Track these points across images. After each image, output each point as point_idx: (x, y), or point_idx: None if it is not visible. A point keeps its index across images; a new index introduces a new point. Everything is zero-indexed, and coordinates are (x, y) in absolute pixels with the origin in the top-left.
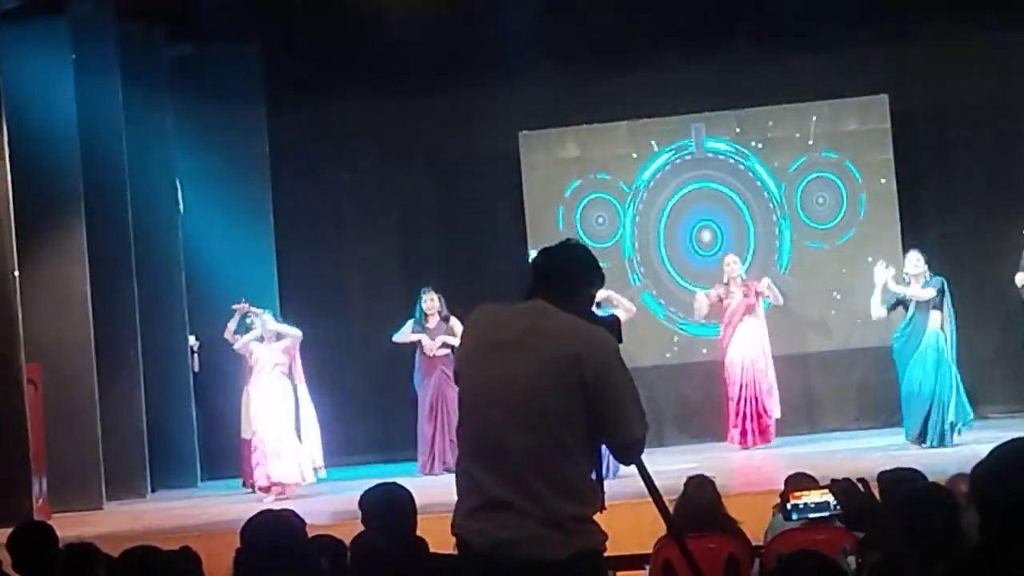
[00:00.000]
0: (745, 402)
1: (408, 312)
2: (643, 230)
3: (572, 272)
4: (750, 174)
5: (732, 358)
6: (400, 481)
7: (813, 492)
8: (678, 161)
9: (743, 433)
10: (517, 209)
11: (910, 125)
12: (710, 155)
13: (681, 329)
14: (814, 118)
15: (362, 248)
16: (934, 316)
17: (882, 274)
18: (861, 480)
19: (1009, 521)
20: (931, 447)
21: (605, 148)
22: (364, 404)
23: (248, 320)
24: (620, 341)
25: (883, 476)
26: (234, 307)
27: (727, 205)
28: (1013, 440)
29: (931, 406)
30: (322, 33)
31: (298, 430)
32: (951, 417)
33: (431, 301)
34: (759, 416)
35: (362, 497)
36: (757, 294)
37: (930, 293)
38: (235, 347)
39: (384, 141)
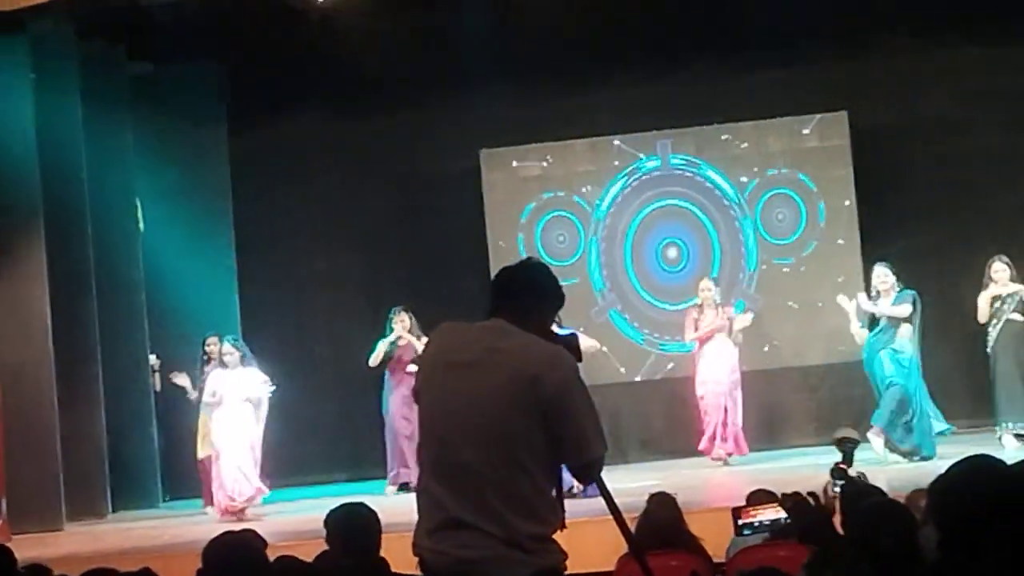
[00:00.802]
0: (714, 416)
1: (372, 330)
2: (609, 248)
3: (531, 291)
4: (715, 191)
5: (704, 376)
6: (367, 500)
7: (765, 508)
8: (644, 178)
9: (717, 444)
10: (479, 227)
11: (869, 141)
12: (676, 171)
13: (661, 349)
14: (774, 136)
15: (324, 266)
16: (904, 328)
17: (848, 304)
18: (811, 494)
19: (968, 537)
20: (897, 447)
21: (566, 166)
22: (329, 423)
23: (207, 349)
24: (579, 360)
25: (843, 492)
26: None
27: (692, 222)
28: (971, 457)
29: (905, 405)
30: (283, 51)
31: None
32: (914, 425)
33: (402, 322)
34: (733, 430)
35: (327, 516)
36: (729, 318)
37: (906, 310)
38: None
39: (345, 159)
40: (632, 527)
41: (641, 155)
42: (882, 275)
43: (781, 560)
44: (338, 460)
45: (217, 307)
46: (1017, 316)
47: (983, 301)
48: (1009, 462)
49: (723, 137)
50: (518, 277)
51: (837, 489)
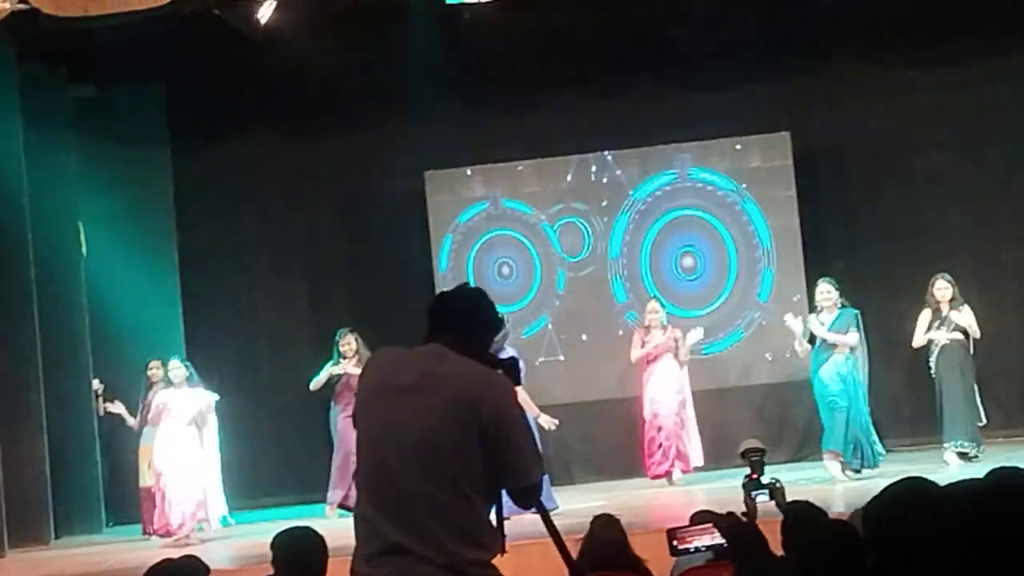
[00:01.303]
0: (665, 437)
1: (317, 353)
2: (548, 275)
3: (469, 316)
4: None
5: (652, 395)
6: (314, 523)
7: (701, 533)
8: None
9: (654, 465)
10: (425, 249)
11: (812, 162)
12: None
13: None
14: (718, 156)
15: (269, 289)
16: (843, 347)
17: (796, 324)
18: (748, 517)
19: (902, 561)
20: (850, 465)
21: (512, 187)
22: (275, 446)
23: (149, 374)
24: (519, 383)
25: (788, 515)
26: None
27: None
28: (904, 479)
29: (847, 422)
30: (227, 73)
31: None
32: (863, 440)
33: (348, 344)
34: (678, 451)
35: (273, 540)
36: (675, 340)
37: (854, 338)
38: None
39: (290, 181)
40: (576, 549)
41: (589, 174)
42: (825, 291)
43: None
44: (284, 483)
45: (161, 331)
46: (958, 335)
47: (923, 319)
48: (943, 483)
49: (666, 158)
50: (455, 302)
51: (759, 499)
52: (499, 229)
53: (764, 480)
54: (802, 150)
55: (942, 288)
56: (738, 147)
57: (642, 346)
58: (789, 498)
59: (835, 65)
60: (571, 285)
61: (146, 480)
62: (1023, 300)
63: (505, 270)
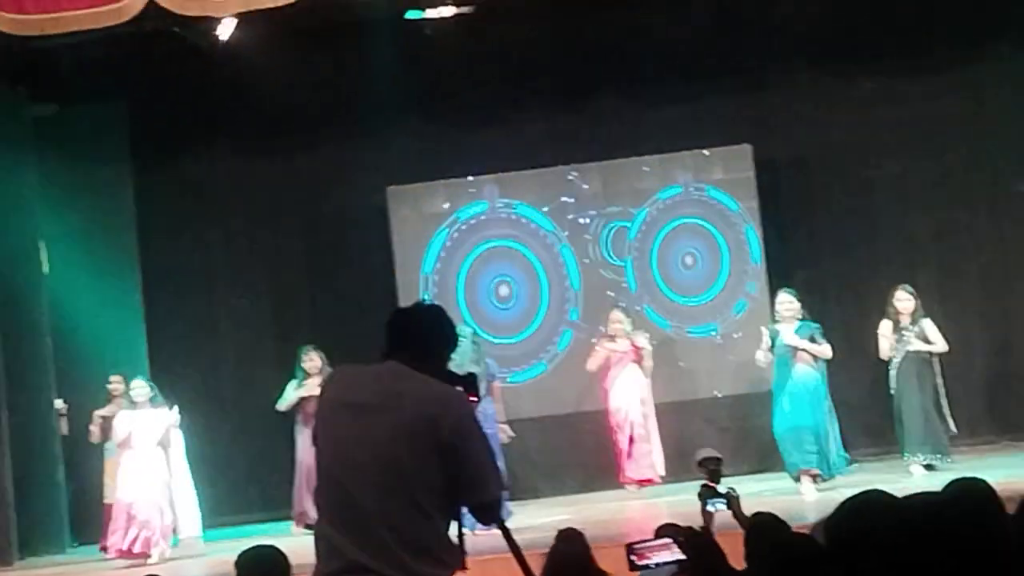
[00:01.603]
0: (632, 444)
1: (281, 369)
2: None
3: (426, 332)
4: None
5: (617, 404)
6: (278, 541)
7: (660, 549)
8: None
9: (636, 470)
10: (388, 264)
11: (773, 173)
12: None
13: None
14: (679, 170)
15: (233, 307)
16: (805, 357)
17: (765, 334)
18: (704, 528)
19: (866, 573)
20: (825, 479)
21: (474, 201)
22: (240, 464)
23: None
24: (479, 399)
25: (751, 527)
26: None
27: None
28: (865, 491)
29: (808, 437)
30: (187, 91)
31: (171, 497)
32: (828, 449)
33: (311, 361)
34: (644, 457)
35: (237, 559)
36: (638, 348)
37: (827, 351)
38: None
39: (253, 198)
40: (540, 564)
41: (548, 190)
42: (786, 301)
43: None
44: (249, 501)
45: (125, 349)
46: (920, 346)
47: (885, 330)
48: (907, 493)
49: (630, 172)
50: (413, 319)
51: (713, 508)
52: (494, 241)
53: (721, 489)
54: (763, 162)
55: (903, 299)
56: (706, 153)
57: (601, 357)
58: (754, 510)
59: (792, 76)
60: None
61: (111, 497)
62: (986, 308)
63: (503, 290)
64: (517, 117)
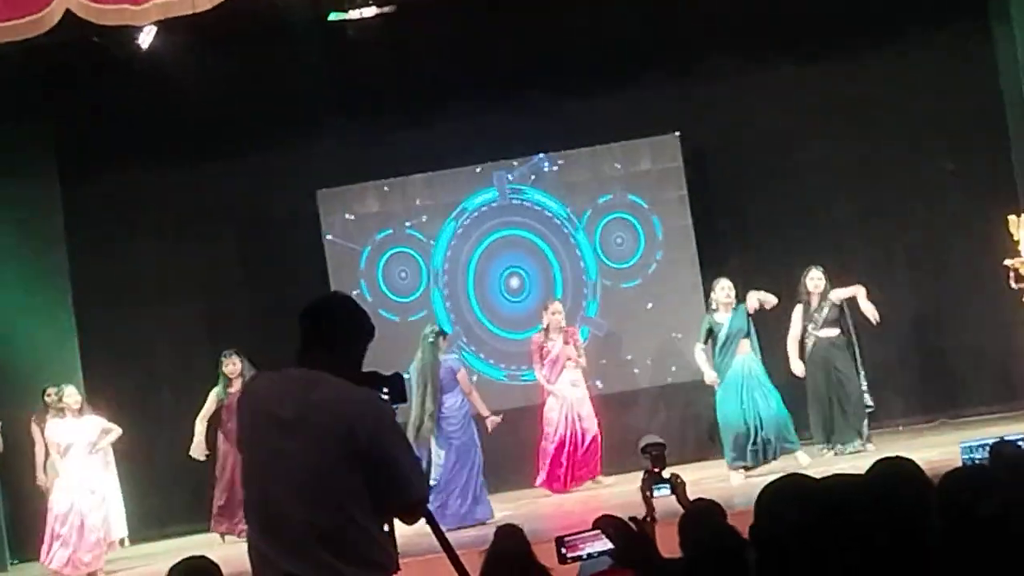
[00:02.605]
0: (563, 448)
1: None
2: (452, 281)
3: (339, 328)
4: (554, 219)
5: (552, 404)
6: (212, 552)
7: (592, 539)
8: (484, 209)
9: (555, 479)
10: (322, 268)
11: (701, 161)
12: (513, 202)
13: (496, 377)
14: (608, 160)
15: (167, 317)
16: (743, 345)
17: (699, 356)
18: (633, 519)
19: (785, 557)
20: (755, 466)
21: (405, 201)
22: (175, 474)
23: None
24: (405, 400)
25: (683, 515)
26: None
27: (532, 250)
28: (785, 476)
29: (748, 428)
30: (111, 102)
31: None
32: (769, 434)
33: (233, 365)
34: (575, 463)
35: (169, 571)
36: (575, 344)
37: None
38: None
39: (183, 207)
40: (480, 561)
41: (478, 187)
42: (727, 287)
43: None
44: (184, 512)
45: (59, 363)
46: (831, 332)
47: (796, 317)
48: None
49: (559, 165)
50: (323, 315)
51: (659, 493)
52: (396, 247)
53: (665, 475)
54: (691, 150)
55: (815, 279)
56: (637, 153)
57: (540, 354)
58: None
59: (716, 64)
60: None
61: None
62: (915, 287)
63: (403, 282)
64: (444, 116)
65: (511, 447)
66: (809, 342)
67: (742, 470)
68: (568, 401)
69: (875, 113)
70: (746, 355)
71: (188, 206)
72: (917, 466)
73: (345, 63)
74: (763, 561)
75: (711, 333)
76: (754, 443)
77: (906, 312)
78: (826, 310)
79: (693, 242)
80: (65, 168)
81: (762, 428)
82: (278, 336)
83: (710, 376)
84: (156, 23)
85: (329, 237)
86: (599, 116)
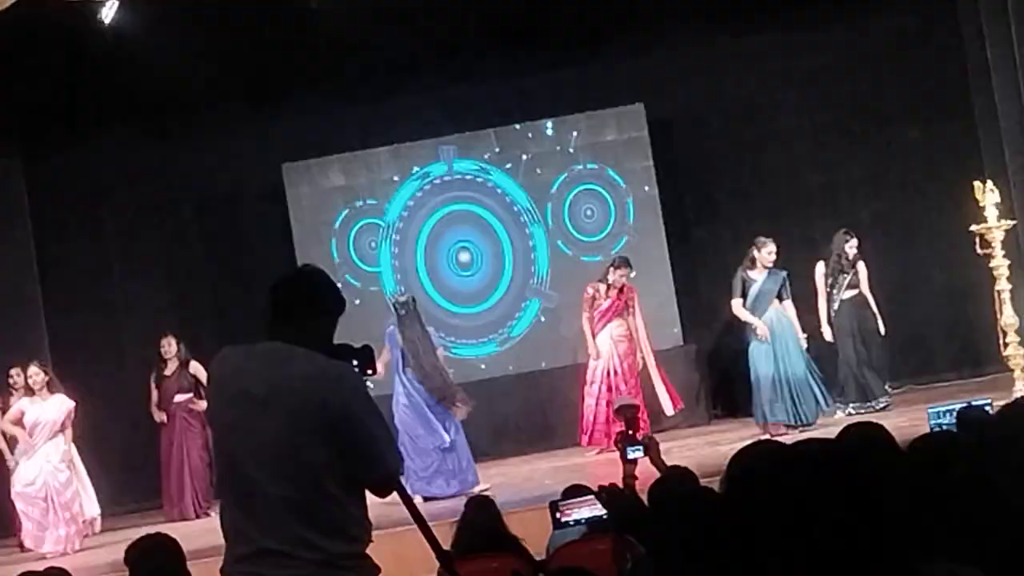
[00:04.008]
0: (598, 404)
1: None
2: (402, 255)
3: (307, 300)
4: (501, 192)
5: (592, 364)
6: (173, 529)
7: (582, 504)
8: (436, 182)
9: (591, 434)
10: (288, 243)
11: (667, 131)
12: (465, 176)
13: (454, 353)
14: (574, 132)
15: (132, 293)
16: (774, 303)
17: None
18: (626, 477)
19: (757, 523)
20: (794, 425)
21: (370, 175)
22: (138, 454)
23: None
24: (374, 372)
25: (656, 481)
26: None
27: (481, 225)
28: (757, 441)
29: (781, 386)
30: (74, 78)
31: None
32: (803, 393)
33: (168, 346)
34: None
35: (128, 549)
36: (631, 302)
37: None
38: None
39: (147, 183)
40: (451, 532)
41: (442, 159)
42: (773, 252)
43: (600, 554)
44: (146, 489)
45: (24, 338)
46: (851, 292)
47: (821, 276)
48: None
49: (523, 137)
50: (292, 287)
51: (634, 455)
52: (363, 219)
53: (638, 436)
54: (657, 121)
55: (855, 246)
56: (603, 123)
57: (592, 304)
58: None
59: (679, 34)
60: None
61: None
62: (882, 256)
63: (372, 253)
64: (409, 88)
65: (482, 418)
66: (834, 304)
67: (783, 427)
68: (605, 358)
69: (840, 82)
70: (777, 308)
71: (152, 180)
72: (886, 431)
73: (307, 34)
74: (735, 527)
75: (744, 289)
76: (792, 400)
77: (873, 280)
78: (849, 275)
79: (659, 213)
80: (28, 145)
81: (793, 387)
82: (245, 310)
83: (761, 329)
84: None
85: (295, 210)
86: (563, 87)
